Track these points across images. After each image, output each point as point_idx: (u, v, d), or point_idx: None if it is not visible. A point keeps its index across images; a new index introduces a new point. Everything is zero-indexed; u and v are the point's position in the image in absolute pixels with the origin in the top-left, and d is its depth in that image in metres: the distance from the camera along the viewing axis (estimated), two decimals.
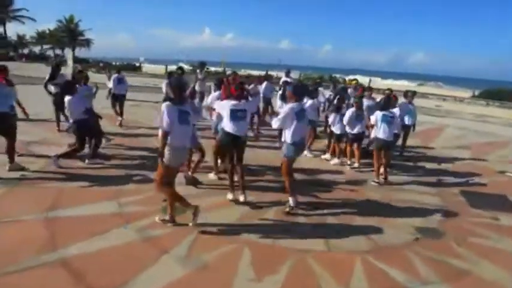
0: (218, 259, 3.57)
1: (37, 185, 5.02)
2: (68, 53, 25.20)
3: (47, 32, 45.39)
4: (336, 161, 7.14)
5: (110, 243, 3.71)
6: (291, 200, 4.67)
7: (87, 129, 5.89)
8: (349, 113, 6.82)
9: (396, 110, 6.67)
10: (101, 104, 8.64)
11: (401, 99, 7.88)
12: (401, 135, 7.56)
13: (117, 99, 9.03)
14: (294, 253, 3.75)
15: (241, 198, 4.78)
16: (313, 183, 5.94)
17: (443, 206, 5.31)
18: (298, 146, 4.65)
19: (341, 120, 6.97)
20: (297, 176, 6.07)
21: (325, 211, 4.85)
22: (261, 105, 9.94)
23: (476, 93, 25.39)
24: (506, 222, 4.91)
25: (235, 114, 4.66)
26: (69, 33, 43.63)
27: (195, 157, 5.56)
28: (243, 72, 22.72)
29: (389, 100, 6.34)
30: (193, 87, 5.52)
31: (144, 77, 23.56)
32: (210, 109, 5.67)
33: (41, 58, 36.11)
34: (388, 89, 8.26)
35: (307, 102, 7.38)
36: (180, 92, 3.89)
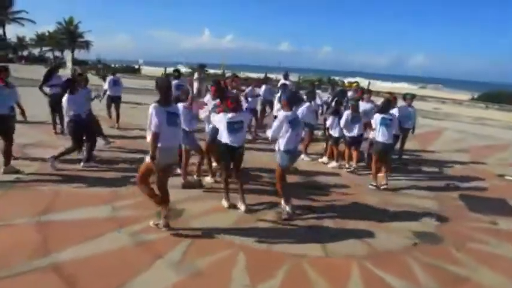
0: (213, 265, 3.51)
1: (31, 188, 4.97)
2: (67, 55, 25.19)
3: (47, 34, 45.49)
4: (334, 164, 7.10)
5: (103, 247, 3.66)
6: (287, 208, 4.62)
7: (83, 129, 5.85)
8: (345, 116, 6.80)
9: (395, 111, 6.64)
10: (98, 106, 8.58)
11: (401, 102, 7.85)
12: (400, 138, 7.52)
13: (113, 101, 9.00)
14: (289, 258, 3.69)
15: (242, 208, 4.72)
16: (310, 187, 5.90)
17: (441, 211, 5.26)
18: (292, 154, 4.65)
19: (339, 123, 6.94)
20: (294, 179, 6.05)
21: (322, 215, 4.81)
22: (259, 107, 9.97)
23: (476, 96, 25.40)
24: (505, 227, 4.86)
25: (232, 127, 4.64)
26: (68, 35, 43.71)
27: (194, 159, 5.53)
28: (242, 74, 22.67)
29: (388, 103, 6.30)
30: (192, 97, 5.51)
31: (143, 79, 23.50)
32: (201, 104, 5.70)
33: (40, 60, 36.10)
34: (389, 93, 8.22)
35: (304, 104, 7.39)
36: (167, 93, 3.85)
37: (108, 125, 8.68)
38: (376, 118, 6.09)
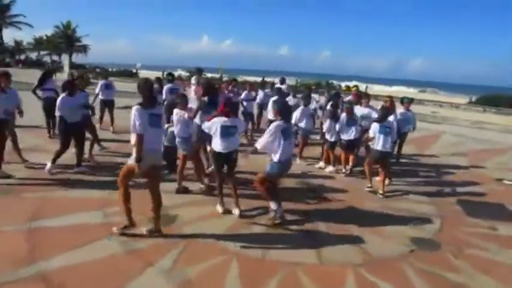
0: (205, 272, 3.42)
1: (22, 194, 4.87)
2: (65, 59, 25.12)
3: (44, 38, 45.38)
4: (330, 168, 7.02)
5: (93, 255, 3.57)
6: (278, 212, 4.52)
7: (74, 130, 5.77)
8: (340, 119, 6.74)
9: (392, 118, 6.56)
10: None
11: (398, 106, 7.79)
12: (397, 142, 7.46)
13: (105, 104, 8.92)
14: (284, 266, 3.61)
15: (236, 212, 4.65)
16: (306, 191, 5.82)
17: (439, 216, 5.17)
18: (284, 165, 4.52)
19: (335, 127, 6.88)
20: (289, 183, 5.97)
21: (318, 220, 4.72)
22: (255, 111, 9.92)
23: (473, 99, 25.40)
24: (505, 232, 4.77)
25: (226, 131, 4.58)
26: (66, 39, 43.60)
27: (190, 164, 5.47)
28: (240, 78, 22.64)
29: (387, 112, 6.20)
30: (197, 110, 5.52)
31: None
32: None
33: (38, 64, 36.10)
34: (388, 96, 8.13)
35: (298, 109, 7.35)
36: (149, 95, 3.82)
37: (99, 127, 8.55)
38: (375, 127, 6.01)
